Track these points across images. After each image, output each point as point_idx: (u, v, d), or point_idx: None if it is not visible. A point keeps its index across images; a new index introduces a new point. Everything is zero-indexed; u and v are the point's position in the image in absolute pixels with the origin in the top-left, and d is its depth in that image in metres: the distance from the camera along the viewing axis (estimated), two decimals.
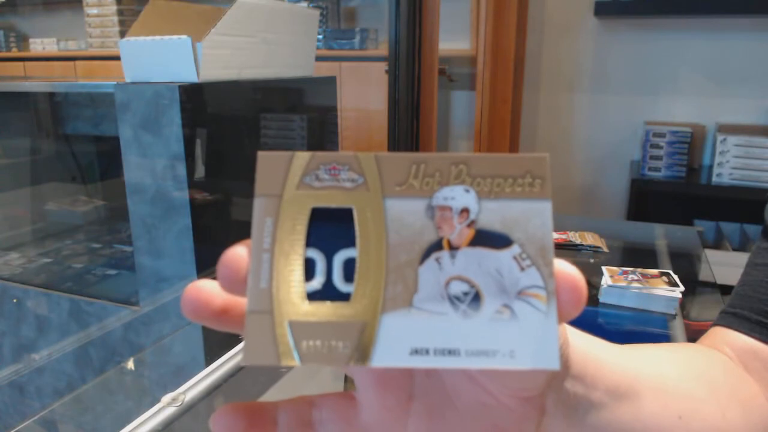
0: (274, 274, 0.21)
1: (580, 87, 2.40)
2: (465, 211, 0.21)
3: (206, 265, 1.07)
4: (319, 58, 1.41)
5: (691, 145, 2.13)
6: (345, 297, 0.21)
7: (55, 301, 1.29)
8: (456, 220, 0.21)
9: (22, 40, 3.68)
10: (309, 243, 0.21)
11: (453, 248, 0.21)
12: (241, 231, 1.15)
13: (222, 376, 0.74)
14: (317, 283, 0.21)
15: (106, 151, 1.86)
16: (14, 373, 1.40)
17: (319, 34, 2.54)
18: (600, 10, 2.20)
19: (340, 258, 0.21)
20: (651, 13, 2.17)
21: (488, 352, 0.20)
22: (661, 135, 2.14)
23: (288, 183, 0.22)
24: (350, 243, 0.21)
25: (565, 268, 0.21)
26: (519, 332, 0.20)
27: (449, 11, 1.99)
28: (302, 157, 0.22)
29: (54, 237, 1.69)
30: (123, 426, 0.62)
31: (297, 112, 1.36)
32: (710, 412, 0.32)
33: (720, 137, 2.02)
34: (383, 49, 1.99)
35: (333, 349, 0.20)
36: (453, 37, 2.39)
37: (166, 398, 0.67)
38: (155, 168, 1.05)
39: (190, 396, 0.69)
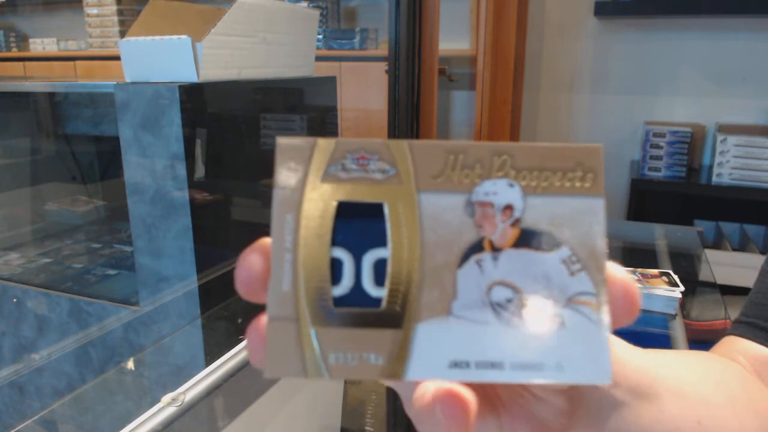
0: (298, 276, 0.19)
1: (580, 87, 2.40)
2: (509, 208, 0.19)
3: (206, 265, 1.07)
4: (319, 58, 1.41)
5: (691, 145, 2.13)
6: (376, 303, 0.19)
7: (55, 301, 1.29)
8: (499, 218, 0.19)
9: (22, 40, 3.68)
10: (335, 242, 0.19)
11: (495, 249, 0.19)
12: (242, 231, 1.15)
13: (222, 376, 0.74)
14: (345, 286, 0.19)
15: (106, 151, 1.86)
16: (14, 373, 1.40)
17: (319, 34, 2.54)
18: (600, 10, 2.20)
19: (369, 259, 0.19)
20: (651, 13, 2.17)
21: (535, 365, 0.18)
22: (661, 135, 2.14)
23: (311, 174, 0.19)
24: (381, 242, 0.19)
25: (618, 273, 0.19)
26: (568, 343, 0.19)
27: (449, 11, 1.99)
28: (326, 145, 0.19)
29: (54, 237, 1.69)
30: (123, 426, 0.62)
31: (297, 112, 1.36)
32: (728, 420, 0.31)
33: (720, 137, 2.02)
34: (383, 49, 1.99)
35: (364, 362, 0.18)
36: (453, 37, 2.39)
37: (166, 398, 0.67)
38: (155, 168, 1.05)
39: (190, 396, 0.69)
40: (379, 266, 0.19)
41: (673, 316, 0.87)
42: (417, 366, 0.18)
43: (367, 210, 0.19)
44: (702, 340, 0.85)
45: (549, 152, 0.19)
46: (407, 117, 1.67)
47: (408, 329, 0.19)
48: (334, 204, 0.19)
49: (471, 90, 2.46)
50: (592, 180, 0.19)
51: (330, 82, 1.48)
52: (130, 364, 1.07)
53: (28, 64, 3.36)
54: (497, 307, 0.19)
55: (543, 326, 0.19)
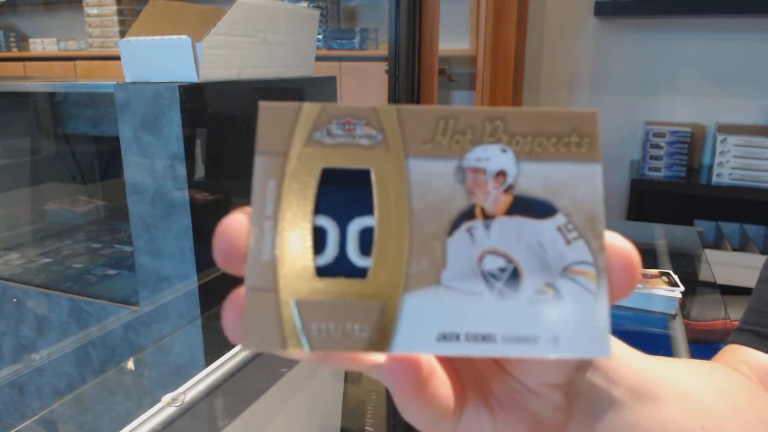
0: (279, 245, 0.18)
1: (580, 87, 2.40)
2: (501, 174, 0.19)
3: (206, 265, 1.07)
4: (319, 58, 1.41)
5: (691, 145, 2.13)
6: (361, 273, 0.18)
7: (55, 301, 1.29)
8: (491, 184, 0.18)
9: (22, 40, 3.68)
10: (319, 209, 0.18)
11: (487, 217, 0.18)
12: None
13: (222, 376, 0.74)
14: (329, 256, 0.18)
15: (106, 151, 1.86)
16: (14, 373, 1.40)
17: (319, 34, 2.54)
18: (600, 10, 2.20)
19: (355, 227, 0.18)
20: (651, 13, 2.17)
21: (528, 338, 0.18)
22: (661, 135, 2.14)
23: (295, 139, 0.19)
24: (367, 210, 0.18)
25: (616, 241, 0.19)
26: (564, 315, 0.18)
27: (449, 11, 1.99)
28: (311, 109, 0.19)
29: (54, 237, 1.69)
30: (123, 426, 0.62)
31: None
32: (733, 429, 0.30)
33: (720, 137, 2.02)
34: (383, 49, 1.99)
35: (348, 334, 0.17)
36: (453, 37, 2.39)
37: (166, 398, 0.67)
38: (155, 168, 1.05)
39: (190, 396, 0.69)
40: (365, 235, 0.18)
41: (673, 316, 0.87)
42: (404, 339, 0.18)
43: (353, 177, 0.19)
44: (702, 341, 0.85)
45: (543, 117, 0.19)
46: None
47: (395, 300, 0.18)
48: (319, 170, 0.18)
49: (471, 90, 2.46)
50: (588, 145, 0.19)
51: (330, 82, 1.48)
52: (130, 364, 1.07)
53: (28, 64, 3.36)
54: (489, 277, 0.18)
55: (537, 297, 0.18)
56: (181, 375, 0.87)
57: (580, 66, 2.38)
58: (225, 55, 1.09)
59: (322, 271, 0.18)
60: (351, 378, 0.79)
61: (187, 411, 0.66)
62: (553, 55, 2.41)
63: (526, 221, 0.18)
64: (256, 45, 1.17)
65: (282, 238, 0.18)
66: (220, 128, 1.11)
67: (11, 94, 1.68)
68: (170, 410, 0.65)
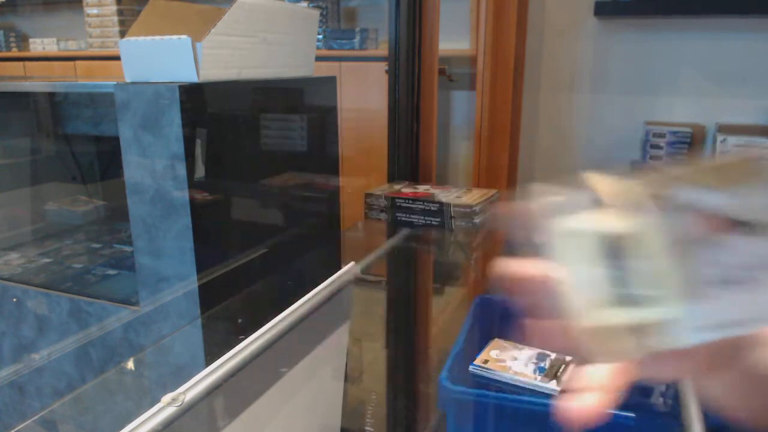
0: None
1: (580, 87, 2.40)
2: (717, 207, 0.25)
3: (206, 265, 1.07)
4: (319, 58, 1.41)
5: (691, 145, 2.13)
6: (640, 301, 0.25)
7: (55, 301, 1.29)
8: (714, 216, 0.25)
9: (22, 40, 3.68)
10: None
11: (721, 240, 0.24)
12: (242, 231, 1.15)
13: (222, 376, 0.74)
14: (614, 291, 0.26)
15: (106, 151, 1.86)
16: (14, 373, 1.40)
17: (319, 34, 2.54)
18: (600, 10, 2.20)
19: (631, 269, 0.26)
20: (651, 13, 2.17)
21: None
22: (661, 135, 2.14)
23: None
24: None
25: None
26: None
27: (449, 11, 1.99)
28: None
29: (54, 237, 1.69)
30: (123, 426, 0.62)
31: (297, 112, 1.36)
32: None
33: (720, 137, 2.01)
34: (383, 49, 1.99)
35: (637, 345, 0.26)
36: (453, 37, 2.39)
37: (166, 398, 0.67)
38: (155, 168, 1.05)
39: (190, 396, 0.68)
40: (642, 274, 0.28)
41: None
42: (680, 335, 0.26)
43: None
44: None
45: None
46: (407, 117, 1.67)
47: (671, 314, 0.26)
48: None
49: (471, 90, 2.46)
50: None
51: (330, 82, 1.48)
52: (130, 364, 1.07)
53: (28, 64, 3.36)
54: (733, 285, 0.24)
55: None
56: (181, 375, 0.87)
57: (580, 66, 2.38)
58: (225, 55, 1.09)
59: (612, 303, 0.26)
60: (351, 378, 0.79)
61: (187, 411, 0.66)
62: (553, 56, 2.41)
63: (755, 240, 0.24)
64: (256, 45, 1.17)
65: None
66: (220, 128, 1.11)
67: (11, 94, 1.68)
68: (170, 410, 0.65)
